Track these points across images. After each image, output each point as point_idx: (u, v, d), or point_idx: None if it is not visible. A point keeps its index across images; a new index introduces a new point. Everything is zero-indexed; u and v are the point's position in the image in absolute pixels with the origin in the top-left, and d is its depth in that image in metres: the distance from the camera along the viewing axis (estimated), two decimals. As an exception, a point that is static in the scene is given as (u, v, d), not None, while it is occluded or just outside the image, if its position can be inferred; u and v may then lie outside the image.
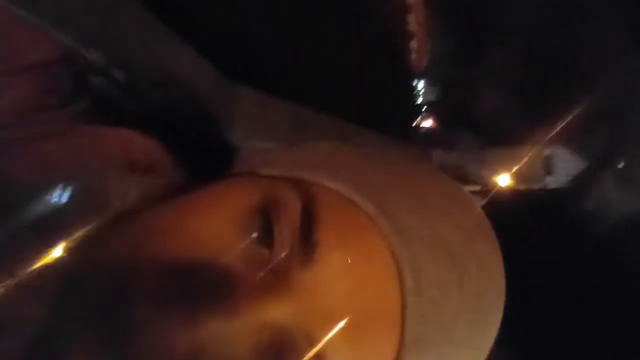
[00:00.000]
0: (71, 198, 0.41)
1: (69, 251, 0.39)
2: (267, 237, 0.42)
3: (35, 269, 0.38)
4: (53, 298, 0.38)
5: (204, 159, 0.49)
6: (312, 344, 0.41)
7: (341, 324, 0.39)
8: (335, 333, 0.41)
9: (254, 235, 0.42)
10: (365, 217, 0.43)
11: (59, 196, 0.41)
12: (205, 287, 0.39)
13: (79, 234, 0.40)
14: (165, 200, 0.44)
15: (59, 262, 0.39)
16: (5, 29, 0.50)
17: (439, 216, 0.45)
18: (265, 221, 0.43)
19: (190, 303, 0.39)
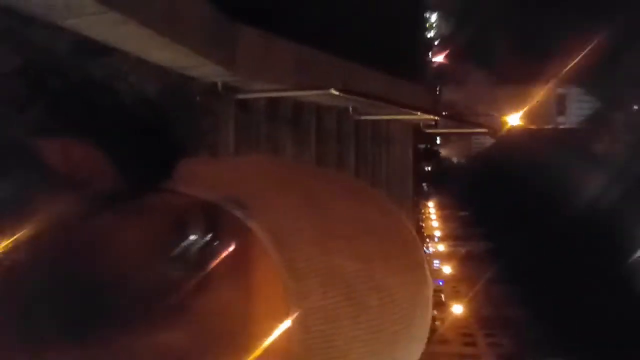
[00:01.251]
0: None
1: None
2: (168, 262, 0.42)
3: None
4: None
5: (145, 170, 0.48)
6: None
7: None
8: None
9: (156, 258, 0.42)
10: (261, 250, 0.42)
11: None
12: (109, 307, 0.40)
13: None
14: (97, 214, 0.44)
15: None
16: None
17: (344, 246, 0.44)
18: (167, 245, 0.40)
19: (97, 323, 0.39)
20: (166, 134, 0.51)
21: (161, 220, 0.41)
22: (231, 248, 0.41)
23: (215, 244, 0.41)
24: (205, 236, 0.40)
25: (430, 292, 0.49)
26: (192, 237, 0.40)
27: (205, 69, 3.24)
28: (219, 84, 3.53)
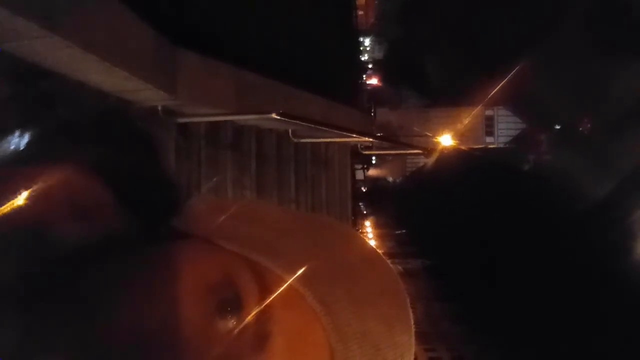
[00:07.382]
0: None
1: None
2: (224, 317, 0.44)
3: None
4: None
5: (147, 205, 0.49)
6: None
7: None
8: None
9: (212, 313, 0.44)
10: (311, 313, 0.47)
11: None
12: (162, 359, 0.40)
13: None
14: (111, 250, 0.44)
15: None
16: None
17: (370, 309, 0.50)
18: (224, 302, 0.43)
19: None
20: (157, 166, 0.52)
21: (209, 273, 0.43)
22: (287, 312, 0.44)
23: (271, 307, 0.44)
24: (257, 296, 0.43)
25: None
26: (242, 295, 0.42)
27: (145, 93, 3.22)
28: (160, 108, 3.51)
